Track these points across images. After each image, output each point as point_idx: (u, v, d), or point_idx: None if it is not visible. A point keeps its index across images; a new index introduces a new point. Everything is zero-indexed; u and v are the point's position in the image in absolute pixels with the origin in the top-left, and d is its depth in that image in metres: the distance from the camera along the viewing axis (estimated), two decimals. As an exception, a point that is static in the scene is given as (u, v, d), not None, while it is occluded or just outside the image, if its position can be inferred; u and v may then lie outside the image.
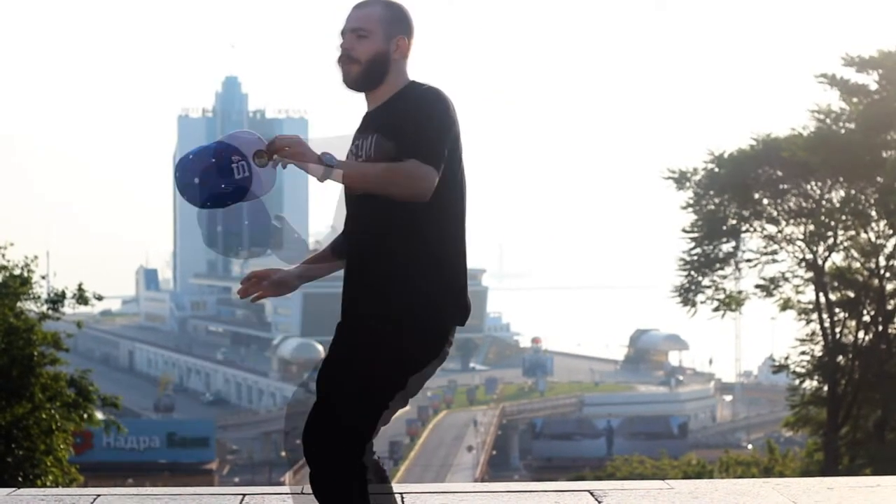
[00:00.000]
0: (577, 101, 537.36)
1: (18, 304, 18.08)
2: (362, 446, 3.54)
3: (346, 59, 3.59)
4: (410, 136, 3.42)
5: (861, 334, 27.91)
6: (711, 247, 28.97)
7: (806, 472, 28.31)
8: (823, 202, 28.07)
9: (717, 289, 29.22)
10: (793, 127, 27.99)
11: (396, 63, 3.60)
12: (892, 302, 27.75)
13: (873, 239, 27.55)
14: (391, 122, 3.50)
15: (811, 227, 28.08)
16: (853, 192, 27.49)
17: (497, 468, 75.54)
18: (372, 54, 3.57)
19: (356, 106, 3.75)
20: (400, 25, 3.60)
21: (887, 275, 27.51)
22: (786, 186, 28.36)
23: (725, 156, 28.54)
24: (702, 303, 29.29)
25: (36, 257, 18.87)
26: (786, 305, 28.71)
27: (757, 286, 28.79)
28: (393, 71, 3.60)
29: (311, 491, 3.55)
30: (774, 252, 28.63)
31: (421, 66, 3.67)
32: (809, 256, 28.07)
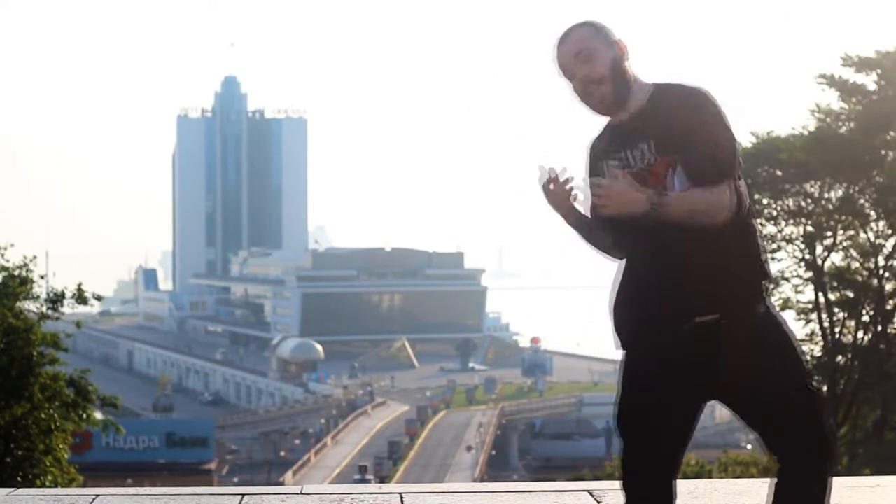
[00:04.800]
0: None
1: (18, 304, 18.07)
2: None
3: (591, 85, 3.41)
4: (710, 150, 3.29)
5: (860, 334, 27.91)
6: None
7: (805, 472, 28.27)
8: (823, 202, 28.06)
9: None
10: (793, 127, 28.00)
11: (629, 64, 3.45)
12: (891, 302, 27.74)
13: (872, 239, 27.55)
14: (671, 127, 3.34)
15: (810, 227, 28.07)
16: (852, 191, 27.48)
17: (496, 468, 75.55)
18: (609, 63, 3.40)
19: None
20: (607, 31, 3.47)
21: (886, 275, 27.49)
22: (785, 186, 28.34)
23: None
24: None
25: (35, 257, 18.86)
26: (785, 305, 28.68)
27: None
28: (632, 74, 3.45)
29: (310, 491, 3.46)
30: (774, 251, 28.62)
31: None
32: (809, 256, 28.07)
